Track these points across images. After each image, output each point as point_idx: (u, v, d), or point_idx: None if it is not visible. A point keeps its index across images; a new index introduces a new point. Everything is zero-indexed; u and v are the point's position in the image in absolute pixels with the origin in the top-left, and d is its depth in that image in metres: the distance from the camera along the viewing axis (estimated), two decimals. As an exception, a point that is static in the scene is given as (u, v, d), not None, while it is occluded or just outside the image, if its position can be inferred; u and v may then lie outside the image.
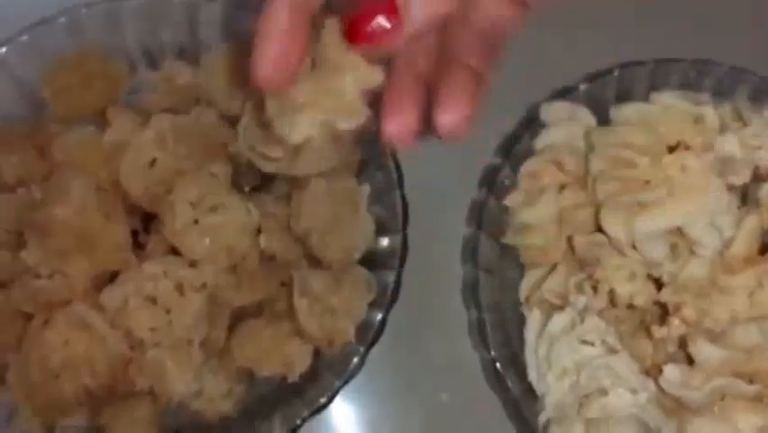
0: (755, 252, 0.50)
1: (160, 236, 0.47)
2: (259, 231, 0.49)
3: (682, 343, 0.49)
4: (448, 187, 0.59)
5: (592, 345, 0.48)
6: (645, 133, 0.52)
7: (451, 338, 0.55)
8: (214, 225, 0.47)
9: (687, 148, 0.51)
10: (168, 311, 0.46)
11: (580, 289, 0.51)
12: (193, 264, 0.47)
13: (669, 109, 0.52)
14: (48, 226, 0.46)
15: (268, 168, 0.49)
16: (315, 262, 0.51)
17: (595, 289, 0.50)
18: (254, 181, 0.53)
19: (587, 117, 0.54)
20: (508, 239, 0.53)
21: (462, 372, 0.55)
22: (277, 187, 0.53)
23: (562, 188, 0.53)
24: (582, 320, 0.48)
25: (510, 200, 0.53)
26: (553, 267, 0.53)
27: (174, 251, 0.47)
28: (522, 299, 0.54)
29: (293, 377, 0.49)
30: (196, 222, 0.47)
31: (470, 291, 0.52)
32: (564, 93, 0.55)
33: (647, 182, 0.50)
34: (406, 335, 0.55)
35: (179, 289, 0.46)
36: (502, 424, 0.53)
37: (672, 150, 0.52)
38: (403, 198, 0.52)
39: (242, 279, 0.49)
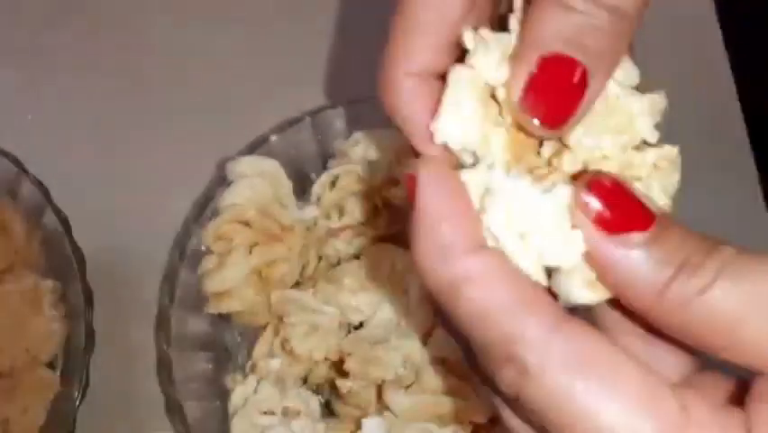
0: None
1: None
2: None
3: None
4: (143, 258, 0.55)
5: (273, 414, 0.45)
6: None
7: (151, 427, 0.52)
8: None
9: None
10: None
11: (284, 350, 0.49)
12: None
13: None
14: None
15: None
16: None
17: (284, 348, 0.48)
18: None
19: (275, 170, 0.52)
20: (210, 308, 0.51)
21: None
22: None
23: (254, 246, 0.50)
24: (256, 390, 0.45)
25: (202, 267, 0.51)
26: (264, 328, 0.51)
27: None
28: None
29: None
30: None
31: (165, 373, 0.48)
32: (255, 146, 0.53)
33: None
34: (103, 426, 0.51)
35: None
36: None
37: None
38: (85, 285, 0.49)
39: None
